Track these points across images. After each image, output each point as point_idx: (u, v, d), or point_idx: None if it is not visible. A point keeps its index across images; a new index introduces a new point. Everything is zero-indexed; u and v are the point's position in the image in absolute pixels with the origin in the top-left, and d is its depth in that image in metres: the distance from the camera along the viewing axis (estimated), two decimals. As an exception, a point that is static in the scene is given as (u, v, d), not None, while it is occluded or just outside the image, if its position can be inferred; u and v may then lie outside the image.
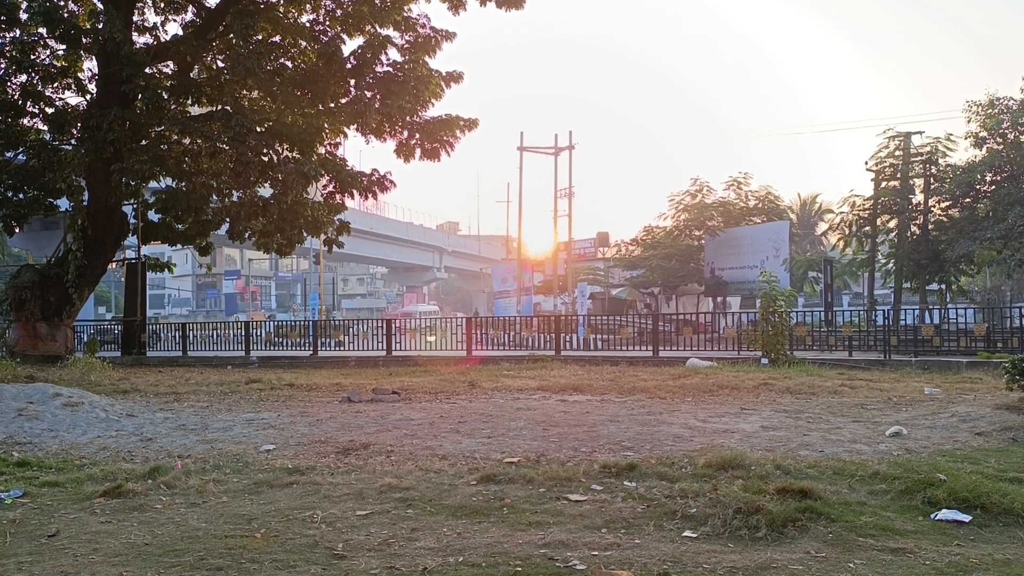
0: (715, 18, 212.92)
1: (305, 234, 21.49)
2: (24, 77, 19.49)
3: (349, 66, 19.12)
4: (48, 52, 19.92)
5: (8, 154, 20.01)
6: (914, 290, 29.36)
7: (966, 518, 4.94)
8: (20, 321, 20.60)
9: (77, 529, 5.14)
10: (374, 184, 20.30)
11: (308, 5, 19.82)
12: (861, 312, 29.86)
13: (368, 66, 19.17)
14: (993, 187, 25.34)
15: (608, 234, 46.53)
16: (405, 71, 19.24)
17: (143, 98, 18.57)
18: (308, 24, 20.10)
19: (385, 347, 21.63)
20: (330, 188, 20.89)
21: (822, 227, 51.15)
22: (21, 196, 20.62)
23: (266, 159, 19.08)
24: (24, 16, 19.15)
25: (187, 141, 19.41)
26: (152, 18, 22.47)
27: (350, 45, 19.74)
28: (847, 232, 29.96)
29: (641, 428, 8.37)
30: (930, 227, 27.16)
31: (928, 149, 26.88)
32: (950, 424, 8.25)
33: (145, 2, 20.97)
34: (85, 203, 20.75)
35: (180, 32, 21.03)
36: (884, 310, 24.94)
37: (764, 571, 4.14)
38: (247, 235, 21.26)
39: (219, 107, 19.08)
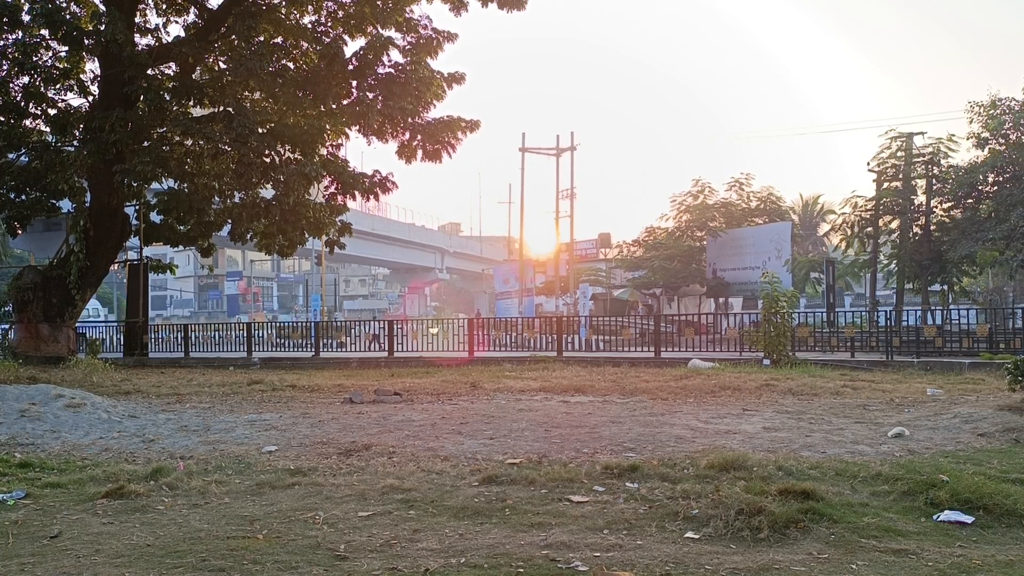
0: (718, 18, 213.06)
1: (307, 235, 21.54)
2: (26, 79, 19.55)
3: (351, 67, 19.14)
4: (50, 54, 19.99)
5: (11, 155, 20.07)
6: (916, 291, 29.33)
7: (969, 519, 4.93)
8: (22, 322, 20.65)
9: (79, 530, 5.14)
10: (376, 185, 20.33)
11: (310, 6, 19.85)
12: (863, 313, 29.86)
13: (370, 67, 19.19)
14: (995, 188, 25.30)
15: (610, 235, 46.70)
16: (407, 72, 19.25)
17: (145, 99, 18.60)
18: (310, 25, 20.13)
19: (387, 348, 21.64)
20: (332, 189, 20.92)
21: (824, 228, 51.13)
22: (23, 197, 20.69)
23: (268, 160, 19.11)
24: (26, 18, 19.22)
25: (189, 142, 19.44)
26: (154, 19, 22.54)
27: (352, 46, 19.80)
28: (849, 233, 29.94)
29: (643, 429, 8.36)
30: (932, 228, 27.13)
31: (930, 150, 26.86)
32: (952, 425, 8.23)
33: (147, 3, 21.02)
34: (87, 204, 20.79)
35: (182, 33, 21.10)
36: (886, 311, 24.94)
37: (766, 572, 4.14)
38: (249, 236, 21.29)
39: (221, 108, 19.11)
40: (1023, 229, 22.83)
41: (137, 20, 20.43)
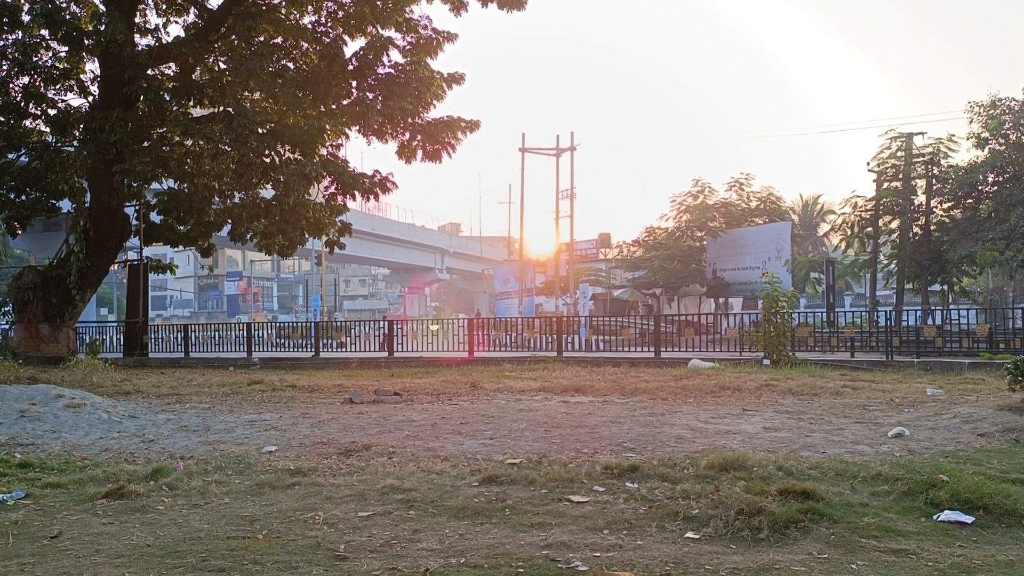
0: (718, 18, 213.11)
1: (307, 235, 21.53)
2: (26, 79, 19.57)
3: (351, 67, 19.14)
4: (50, 54, 20.00)
5: (11, 156, 20.06)
6: (916, 291, 29.32)
7: (969, 519, 4.93)
8: (22, 322, 20.64)
9: (79, 530, 5.14)
10: (376, 185, 20.33)
11: (310, 6, 19.85)
12: (863, 313, 29.85)
13: (370, 67, 19.19)
14: (995, 188, 25.30)
15: (610, 235, 46.73)
16: (407, 72, 19.26)
17: (145, 99, 18.60)
18: (310, 25, 20.13)
19: (387, 348, 21.62)
20: (332, 189, 20.92)
21: (824, 228, 51.12)
22: (24, 197, 20.69)
23: (268, 160, 19.11)
24: (26, 18, 19.23)
25: (189, 142, 19.44)
26: (154, 20, 22.58)
27: (352, 46, 19.81)
28: (849, 233, 29.94)
29: (643, 429, 8.36)
30: (932, 228, 27.12)
31: (930, 150, 26.85)
32: (952, 425, 8.23)
33: (147, 3, 21.02)
34: (87, 204, 20.78)
35: (182, 34, 21.10)
36: (886, 311, 24.92)
37: (766, 572, 4.14)
38: (249, 236, 21.29)
39: (221, 108, 19.11)
40: (1023, 229, 22.82)
41: (137, 20, 20.43)
